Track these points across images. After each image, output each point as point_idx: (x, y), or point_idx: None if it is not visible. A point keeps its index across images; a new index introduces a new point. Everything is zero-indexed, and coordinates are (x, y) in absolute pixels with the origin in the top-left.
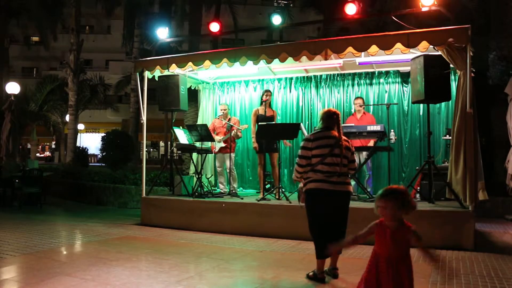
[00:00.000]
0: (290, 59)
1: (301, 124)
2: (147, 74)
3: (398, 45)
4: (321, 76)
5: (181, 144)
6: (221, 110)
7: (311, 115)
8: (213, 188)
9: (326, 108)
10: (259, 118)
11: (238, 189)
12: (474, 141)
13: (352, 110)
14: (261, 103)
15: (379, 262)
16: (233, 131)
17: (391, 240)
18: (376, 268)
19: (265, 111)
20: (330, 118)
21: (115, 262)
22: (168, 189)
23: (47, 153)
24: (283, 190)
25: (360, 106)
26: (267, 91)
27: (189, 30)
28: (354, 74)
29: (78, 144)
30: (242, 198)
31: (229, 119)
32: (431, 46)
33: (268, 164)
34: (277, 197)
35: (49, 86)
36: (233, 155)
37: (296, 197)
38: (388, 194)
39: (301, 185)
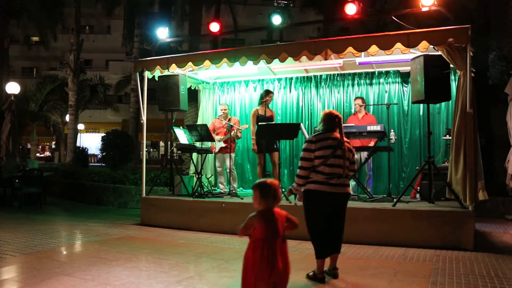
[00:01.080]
0: (290, 59)
1: (301, 124)
2: (147, 74)
3: (398, 45)
4: (321, 76)
5: (181, 144)
6: (221, 110)
7: (311, 115)
8: (213, 188)
9: (327, 110)
10: (259, 118)
11: (238, 189)
12: (474, 141)
13: (353, 110)
14: (261, 103)
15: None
16: (233, 131)
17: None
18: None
19: (265, 111)
20: (332, 121)
21: (115, 262)
22: (168, 189)
23: (47, 153)
24: (283, 190)
25: (360, 106)
26: (270, 92)
27: (189, 30)
28: (354, 74)
29: (78, 144)
30: (242, 198)
31: (229, 119)
32: (431, 46)
33: (268, 163)
34: None
35: (49, 86)
36: (233, 155)
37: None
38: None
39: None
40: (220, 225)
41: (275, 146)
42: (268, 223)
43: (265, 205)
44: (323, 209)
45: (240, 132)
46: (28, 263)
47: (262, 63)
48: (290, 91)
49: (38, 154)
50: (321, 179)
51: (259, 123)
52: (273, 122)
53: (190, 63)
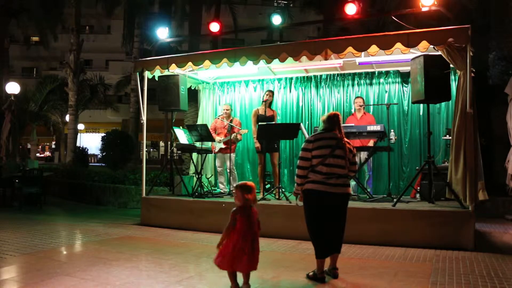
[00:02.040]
0: (290, 59)
1: (301, 124)
2: (147, 74)
3: (398, 45)
4: (321, 76)
5: (181, 144)
6: (224, 110)
7: (311, 115)
8: (213, 188)
9: (328, 113)
10: (259, 118)
11: None
12: (474, 141)
13: (352, 110)
14: (262, 103)
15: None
16: (233, 134)
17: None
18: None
19: (265, 111)
20: (331, 120)
21: (115, 262)
22: (168, 189)
23: (47, 153)
24: (283, 190)
25: (360, 105)
26: (270, 91)
27: (189, 30)
28: (354, 74)
29: (78, 144)
30: None
31: (231, 120)
32: (431, 46)
33: (268, 163)
34: (277, 197)
35: (49, 86)
36: (233, 155)
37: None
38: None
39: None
40: (220, 225)
41: (275, 146)
42: (246, 217)
43: (245, 203)
44: (322, 209)
45: (241, 135)
46: (28, 263)
47: (262, 63)
48: (290, 91)
49: (38, 154)
50: (319, 179)
51: (259, 123)
52: (273, 122)
53: (190, 63)
